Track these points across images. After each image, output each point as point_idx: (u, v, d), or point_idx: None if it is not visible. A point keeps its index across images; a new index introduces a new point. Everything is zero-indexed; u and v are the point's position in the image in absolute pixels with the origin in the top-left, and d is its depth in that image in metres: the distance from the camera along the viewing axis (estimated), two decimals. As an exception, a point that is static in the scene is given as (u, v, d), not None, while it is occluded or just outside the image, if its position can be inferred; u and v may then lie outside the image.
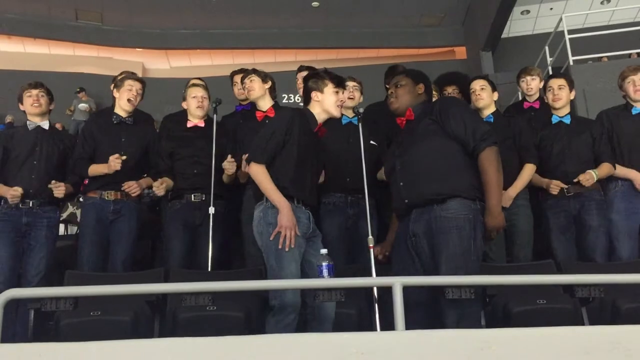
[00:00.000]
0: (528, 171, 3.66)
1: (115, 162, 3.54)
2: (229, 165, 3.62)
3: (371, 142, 3.50)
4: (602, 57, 9.14)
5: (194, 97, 3.86)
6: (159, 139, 3.93)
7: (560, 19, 8.39)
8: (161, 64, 14.63)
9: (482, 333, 2.25)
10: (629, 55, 9.33)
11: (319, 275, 2.66)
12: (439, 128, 2.78)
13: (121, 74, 4.30)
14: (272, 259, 2.74)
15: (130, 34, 13.31)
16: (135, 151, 3.78)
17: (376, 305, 2.76)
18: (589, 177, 3.60)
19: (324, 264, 2.64)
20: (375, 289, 2.80)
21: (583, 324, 2.93)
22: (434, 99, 3.11)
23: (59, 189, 3.60)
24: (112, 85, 4.03)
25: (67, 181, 3.71)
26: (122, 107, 3.82)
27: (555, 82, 3.83)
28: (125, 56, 13.87)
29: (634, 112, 3.82)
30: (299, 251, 2.75)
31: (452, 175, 2.70)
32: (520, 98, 5.03)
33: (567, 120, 3.81)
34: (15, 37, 13.44)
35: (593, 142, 3.74)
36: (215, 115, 3.83)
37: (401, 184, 2.82)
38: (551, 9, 12.24)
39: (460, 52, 13.66)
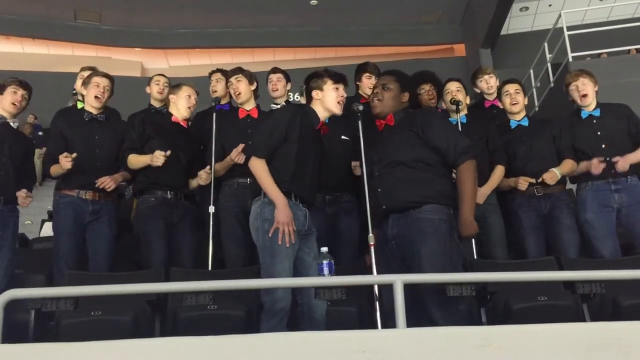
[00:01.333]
0: (499, 172, 3.77)
1: (64, 162, 3.44)
2: (205, 175, 3.62)
3: (342, 137, 3.48)
4: (601, 53, 9.14)
5: (188, 95, 3.77)
6: (136, 119, 3.78)
7: (559, 16, 8.39)
8: (160, 63, 14.62)
9: (483, 330, 2.26)
10: (628, 51, 9.32)
11: (320, 273, 2.66)
12: (418, 139, 2.82)
13: (82, 70, 4.23)
14: (265, 255, 2.77)
15: (128, 33, 13.30)
16: (110, 148, 3.70)
17: (377, 303, 2.75)
18: (552, 176, 3.64)
19: (325, 262, 2.64)
20: (376, 287, 2.79)
21: (584, 321, 2.93)
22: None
23: (25, 200, 3.50)
24: (79, 83, 3.98)
25: (20, 184, 3.59)
26: (90, 103, 3.74)
27: (512, 87, 3.89)
28: (124, 56, 13.86)
29: (583, 116, 3.85)
30: (292, 248, 2.76)
31: (427, 184, 2.77)
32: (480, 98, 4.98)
33: (525, 123, 3.89)
34: (13, 38, 13.43)
35: (554, 140, 3.80)
36: (214, 114, 3.82)
37: (379, 190, 2.84)
38: (550, 5, 12.24)
39: (459, 50, 13.66)
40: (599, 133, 3.78)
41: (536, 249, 3.70)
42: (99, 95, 3.72)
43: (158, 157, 3.47)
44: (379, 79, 3.13)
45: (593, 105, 3.86)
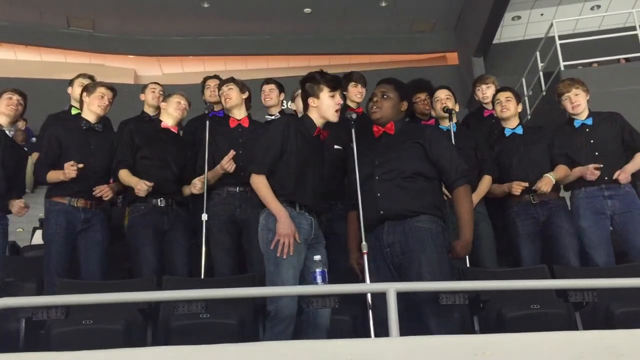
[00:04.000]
0: (486, 182, 3.81)
1: (69, 170, 3.45)
2: (200, 184, 3.61)
3: (335, 146, 3.49)
4: (592, 62, 9.20)
5: (178, 101, 3.81)
6: (124, 131, 3.79)
7: (551, 25, 8.45)
8: (153, 70, 14.59)
9: (476, 339, 2.26)
10: (618, 60, 9.39)
11: (313, 281, 2.66)
12: (423, 152, 2.90)
13: (79, 76, 4.25)
14: (270, 265, 2.77)
15: (122, 40, 13.28)
16: (105, 157, 3.70)
17: (370, 311, 2.75)
18: (547, 182, 3.62)
19: (318, 270, 2.64)
20: (369, 296, 2.79)
21: (577, 329, 2.93)
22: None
23: (23, 211, 3.53)
24: (78, 89, 3.96)
25: (12, 194, 3.62)
26: (93, 111, 3.73)
27: (503, 95, 3.91)
28: (118, 63, 13.83)
29: (576, 125, 3.88)
30: (297, 258, 2.76)
31: (424, 195, 2.84)
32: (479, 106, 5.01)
33: (520, 131, 3.90)
34: (6, 44, 13.37)
35: (548, 148, 3.80)
36: (207, 122, 3.81)
37: (378, 194, 2.85)
38: (542, 14, 12.32)
39: (452, 58, 13.71)
40: (592, 141, 3.80)
41: (531, 257, 3.68)
42: (102, 106, 3.74)
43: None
44: (378, 86, 3.13)
45: (585, 114, 3.89)
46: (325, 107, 2.95)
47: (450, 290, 2.38)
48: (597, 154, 3.76)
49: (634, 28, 8.28)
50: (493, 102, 4.01)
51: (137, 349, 2.15)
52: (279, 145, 2.86)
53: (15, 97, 3.67)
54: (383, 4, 11.94)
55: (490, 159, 3.86)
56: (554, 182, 3.66)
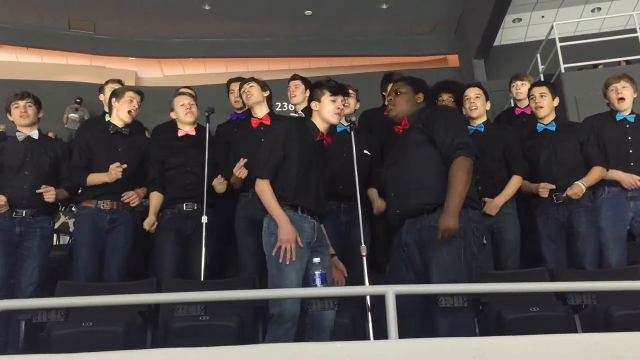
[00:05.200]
0: (515, 182, 3.72)
1: (116, 171, 3.53)
2: (219, 186, 3.66)
3: (364, 151, 3.49)
4: (595, 64, 9.20)
5: (181, 105, 3.84)
6: (150, 148, 3.89)
7: (552, 27, 8.46)
8: (154, 72, 14.62)
9: (475, 341, 2.26)
10: (619, 62, 9.39)
11: (312, 284, 2.66)
12: (426, 137, 2.81)
13: (109, 82, 4.30)
14: (273, 268, 2.78)
15: (123, 42, 13.30)
16: (132, 161, 3.75)
17: (369, 313, 2.75)
18: (577, 191, 3.59)
19: (317, 272, 2.65)
20: (368, 298, 2.79)
21: (576, 331, 2.94)
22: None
23: (49, 194, 3.56)
24: (109, 94, 3.99)
25: (60, 187, 3.68)
26: (122, 118, 3.79)
27: (537, 90, 3.85)
28: (119, 65, 13.85)
29: (618, 118, 3.83)
30: (300, 261, 2.77)
31: (439, 184, 2.73)
32: (512, 104, 5.05)
33: (552, 128, 3.82)
34: (7, 47, 13.41)
35: (580, 147, 3.74)
36: (207, 124, 3.83)
37: (392, 194, 2.86)
38: (542, 17, 12.32)
39: (453, 60, 13.72)
40: (629, 138, 3.76)
41: (553, 259, 3.67)
42: (131, 110, 3.79)
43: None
44: (391, 86, 3.15)
45: (629, 111, 3.84)
46: (326, 110, 2.98)
47: (448, 292, 2.38)
48: (631, 151, 3.73)
49: (634, 30, 8.29)
50: (528, 97, 3.96)
51: (137, 351, 2.15)
52: (281, 150, 2.88)
53: (21, 103, 3.71)
54: (384, 6, 11.96)
55: (519, 158, 3.77)
56: (584, 190, 3.60)
